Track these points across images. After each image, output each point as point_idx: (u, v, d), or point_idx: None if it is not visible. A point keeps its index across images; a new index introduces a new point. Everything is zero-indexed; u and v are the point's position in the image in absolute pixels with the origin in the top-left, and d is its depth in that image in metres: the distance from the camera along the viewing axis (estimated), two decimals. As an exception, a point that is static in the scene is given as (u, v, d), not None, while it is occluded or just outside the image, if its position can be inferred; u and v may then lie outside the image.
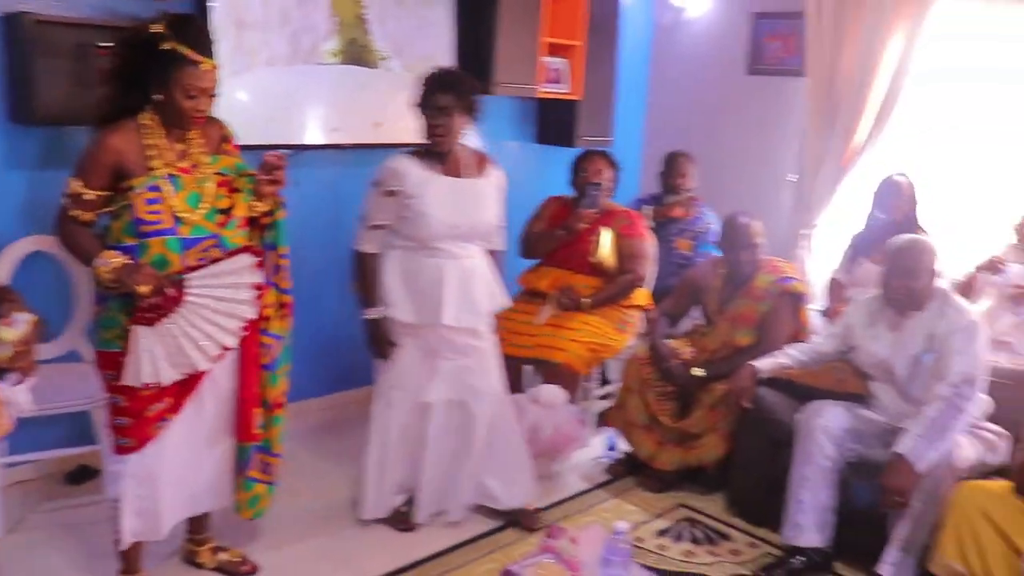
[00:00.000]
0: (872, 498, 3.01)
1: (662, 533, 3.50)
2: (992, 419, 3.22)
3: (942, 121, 4.72)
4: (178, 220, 2.57)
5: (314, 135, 4.12)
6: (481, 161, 3.31)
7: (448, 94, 3.10)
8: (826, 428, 3.17)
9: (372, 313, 3.23)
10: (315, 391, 4.39)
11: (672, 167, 4.77)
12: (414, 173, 3.14)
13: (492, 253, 3.40)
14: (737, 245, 3.76)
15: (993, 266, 3.91)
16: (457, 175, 3.21)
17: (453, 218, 3.15)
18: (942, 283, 3.32)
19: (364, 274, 3.23)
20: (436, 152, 3.18)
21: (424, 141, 3.20)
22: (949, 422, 2.92)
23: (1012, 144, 4.49)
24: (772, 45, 5.31)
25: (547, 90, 4.82)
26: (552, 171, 4.90)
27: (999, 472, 2.98)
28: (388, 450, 3.33)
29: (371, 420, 3.35)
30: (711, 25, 5.58)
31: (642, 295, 4.27)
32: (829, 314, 4.26)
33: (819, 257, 4.95)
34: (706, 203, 4.78)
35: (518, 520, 3.46)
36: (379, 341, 3.26)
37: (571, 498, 3.75)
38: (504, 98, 4.86)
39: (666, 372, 3.78)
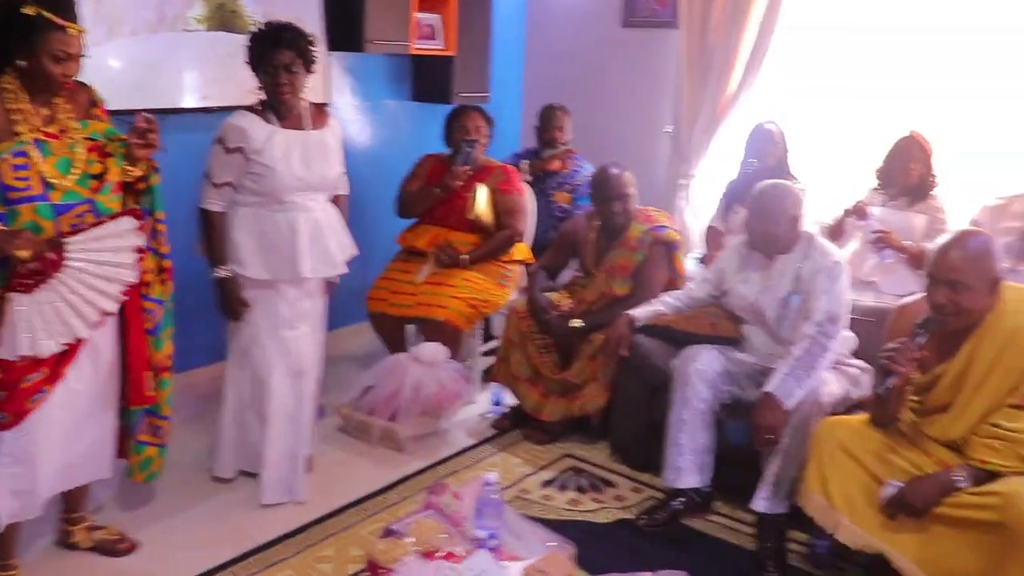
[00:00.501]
0: (746, 437, 3.10)
1: (548, 484, 3.54)
2: (857, 355, 3.35)
3: (811, 70, 4.83)
4: (48, 186, 2.47)
5: (184, 101, 3.98)
6: (320, 113, 3.27)
7: (290, 50, 3.06)
8: (701, 372, 3.24)
9: (221, 272, 3.16)
10: (200, 360, 4.26)
11: (547, 121, 4.77)
12: (257, 128, 3.08)
13: (337, 198, 3.39)
14: (608, 196, 3.79)
15: (859, 211, 4.05)
16: (300, 128, 3.17)
17: (300, 171, 3.11)
18: (810, 227, 3.43)
19: (211, 233, 3.17)
20: (277, 107, 3.13)
21: (262, 97, 3.15)
22: (815, 360, 3.02)
23: (876, 92, 4.63)
24: (646, -4, 5.35)
25: (421, 47, 4.75)
26: (429, 129, 4.85)
27: (861, 406, 3.10)
28: (243, 409, 3.31)
29: (225, 380, 3.33)
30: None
31: (521, 249, 4.29)
32: (706, 261, 4.35)
33: (697, 206, 5.04)
34: (583, 156, 4.80)
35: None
36: (229, 301, 3.19)
37: (458, 454, 3.77)
38: (377, 56, 4.78)
39: (545, 324, 3.81)
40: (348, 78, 4.67)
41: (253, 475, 3.35)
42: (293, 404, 3.29)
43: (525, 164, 4.69)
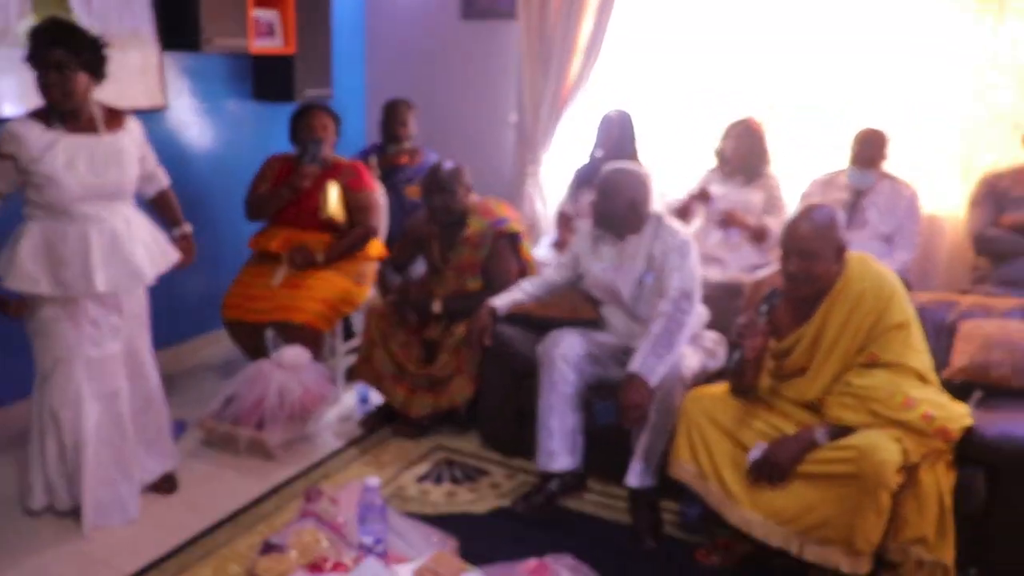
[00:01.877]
0: (614, 416, 3.17)
1: (423, 478, 3.54)
2: (710, 328, 3.49)
3: (652, 56, 4.99)
4: None
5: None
6: (115, 116, 3.04)
7: (59, 48, 2.80)
8: (565, 356, 3.30)
9: None
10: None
11: (391, 116, 4.75)
12: (35, 135, 2.85)
13: (161, 194, 3.30)
14: (431, 189, 3.78)
15: (703, 196, 4.24)
16: (91, 133, 2.95)
17: (89, 179, 2.90)
18: (659, 208, 3.55)
19: None
20: (60, 111, 2.89)
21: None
22: (673, 336, 3.13)
23: (713, 75, 4.85)
24: (483, -12, 5.39)
25: (260, 45, 4.63)
26: (274, 129, 4.75)
27: (720, 376, 3.23)
28: (52, 437, 3.06)
29: (33, 403, 3.09)
30: (424, -30, 5.56)
31: (376, 246, 4.25)
32: (559, 245, 4.44)
33: (547, 193, 5.13)
34: (431, 148, 4.80)
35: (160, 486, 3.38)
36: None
37: (329, 457, 3.71)
38: (216, 56, 4.62)
39: (404, 311, 3.80)
40: (186, 79, 4.49)
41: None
42: (108, 428, 3.10)
43: (373, 160, 4.66)
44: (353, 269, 4.14)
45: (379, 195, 4.28)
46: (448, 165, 3.79)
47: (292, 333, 3.86)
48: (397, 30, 5.65)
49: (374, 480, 2.37)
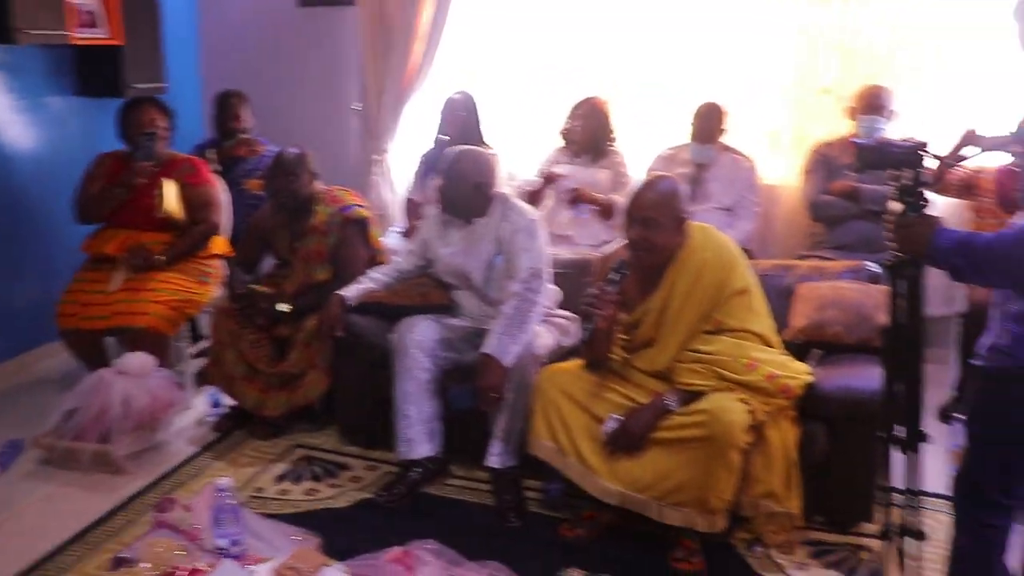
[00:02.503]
0: (471, 399, 3.17)
1: (282, 478, 3.45)
2: (561, 306, 3.52)
3: (496, 40, 5.01)
4: None
5: None
6: None
7: None
8: (419, 342, 3.27)
9: None
10: None
11: (223, 110, 4.60)
12: None
13: None
14: (276, 175, 3.69)
15: (551, 177, 4.28)
16: None
17: None
18: (508, 190, 3.56)
19: None
20: None
21: None
22: (525, 316, 3.14)
23: (559, 57, 4.90)
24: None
25: (82, 36, 4.36)
26: (103, 126, 4.49)
27: (574, 353, 3.26)
28: None
29: None
30: (257, -44, 5.39)
31: (220, 243, 4.11)
32: (408, 233, 4.40)
33: (394, 180, 5.08)
34: (271, 140, 4.66)
35: None
36: None
37: (182, 465, 3.55)
38: (32, 48, 4.33)
39: (252, 314, 3.68)
40: (-1, 75, 4.21)
41: None
42: None
43: (212, 154, 4.49)
44: (196, 269, 3.99)
45: (219, 190, 4.13)
46: (293, 150, 3.70)
47: (134, 339, 3.68)
48: (232, 18, 5.46)
49: (225, 480, 2.29)
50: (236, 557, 2.28)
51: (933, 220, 2.08)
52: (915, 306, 2.21)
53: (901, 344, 2.28)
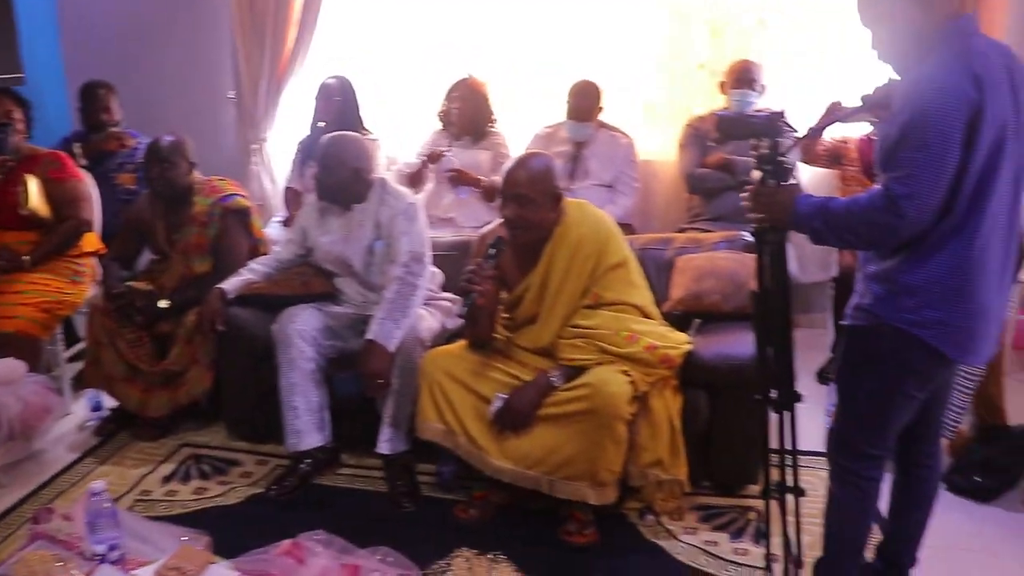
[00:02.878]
0: (357, 386, 3.14)
1: (169, 479, 3.37)
2: (445, 288, 3.53)
3: (373, 22, 4.94)
4: None
5: None
6: None
7: None
8: (301, 332, 3.22)
9: None
10: None
11: (90, 102, 4.43)
12: None
13: None
14: (151, 163, 3.59)
15: (434, 157, 4.26)
16: None
17: None
18: (390, 174, 3.52)
19: None
20: None
21: None
22: (407, 300, 3.13)
23: (435, 37, 4.87)
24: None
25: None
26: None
27: (459, 334, 3.26)
28: None
29: None
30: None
31: (91, 240, 3.96)
32: (289, 222, 4.32)
33: (273, 169, 4.98)
34: (143, 131, 4.50)
35: None
36: None
37: (61, 473, 3.43)
38: None
39: (130, 313, 3.56)
40: None
41: None
42: None
43: (78, 148, 4.32)
44: (67, 268, 3.85)
45: (87, 184, 3.97)
46: (168, 138, 3.60)
47: (2, 344, 3.52)
48: (93, 5, 5.23)
49: (99, 484, 2.21)
50: (115, 562, 2.20)
51: (794, 188, 2.17)
52: (780, 271, 2.27)
53: (769, 309, 2.35)
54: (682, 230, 4.20)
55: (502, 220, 2.93)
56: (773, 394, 2.40)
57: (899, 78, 2.14)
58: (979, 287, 2.06)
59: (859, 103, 2.32)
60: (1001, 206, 2.04)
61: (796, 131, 2.35)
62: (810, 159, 4.20)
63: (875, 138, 2.20)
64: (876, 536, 2.69)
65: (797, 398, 2.42)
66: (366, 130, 4.39)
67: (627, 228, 4.26)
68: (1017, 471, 3.21)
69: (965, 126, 1.92)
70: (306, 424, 3.22)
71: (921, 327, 2.07)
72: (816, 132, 2.46)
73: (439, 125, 4.48)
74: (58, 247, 3.81)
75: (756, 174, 2.20)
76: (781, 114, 2.25)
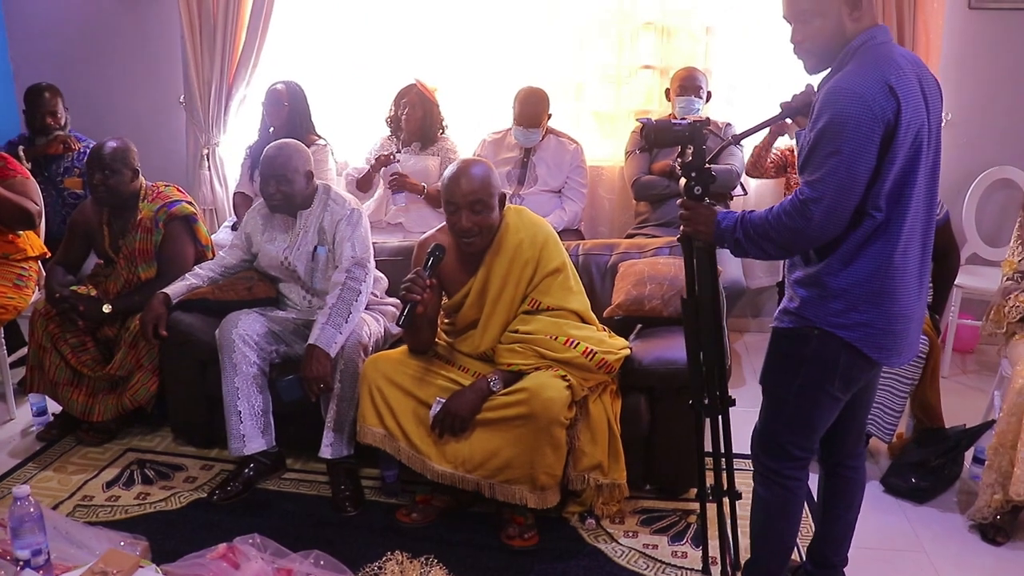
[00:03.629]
0: (300, 390, 3.13)
1: (111, 484, 3.35)
2: (391, 293, 3.54)
3: (324, 28, 4.96)
4: None
5: None
6: None
7: None
8: (243, 336, 3.21)
9: None
10: None
11: (35, 106, 4.39)
12: None
13: None
14: (94, 170, 3.56)
15: (384, 161, 4.27)
16: None
17: None
18: (340, 179, 3.52)
19: None
20: None
21: None
22: (349, 305, 3.14)
23: (384, 42, 4.90)
24: (136, -40, 5.08)
25: None
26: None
27: (402, 340, 3.27)
28: None
29: None
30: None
31: (36, 245, 3.93)
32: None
33: (225, 174, 4.97)
34: (94, 136, 4.48)
35: None
36: None
37: (2, 479, 3.39)
38: None
39: (73, 317, 3.54)
40: None
41: None
42: None
43: (21, 151, 4.28)
44: (12, 272, 3.82)
45: (34, 183, 3.91)
46: (112, 144, 3.57)
47: (-57, 348, 3.49)
48: (41, 9, 5.19)
49: (22, 489, 2.19)
50: (39, 568, 2.19)
51: (714, 206, 2.24)
52: (708, 277, 2.32)
53: (700, 314, 2.39)
54: (630, 236, 4.25)
55: (442, 227, 2.94)
56: (707, 399, 2.46)
57: (812, 79, 2.20)
58: (901, 290, 2.11)
59: (778, 111, 2.37)
60: (918, 211, 2.09)
61: (720, 138, 2.40)
62: (758, 172, 4.28)
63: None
64: (806, 537, 2.75)
65: (730, 403, 2.48)
66: (317, 135, 4.40)
67: (575, 234, 4.31)
68: (952, 472, 3.28)
69: (881, 135, 1.96)
70: (250, 429, 3.21)
71: (847, 329, 2.12)
72: (737, 140, 2.51)
73: (387, 131, 4.49)
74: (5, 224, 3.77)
75: (682, 182, 2.24)
76: (705, 122, 2.29)
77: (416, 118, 4.33)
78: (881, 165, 1.99)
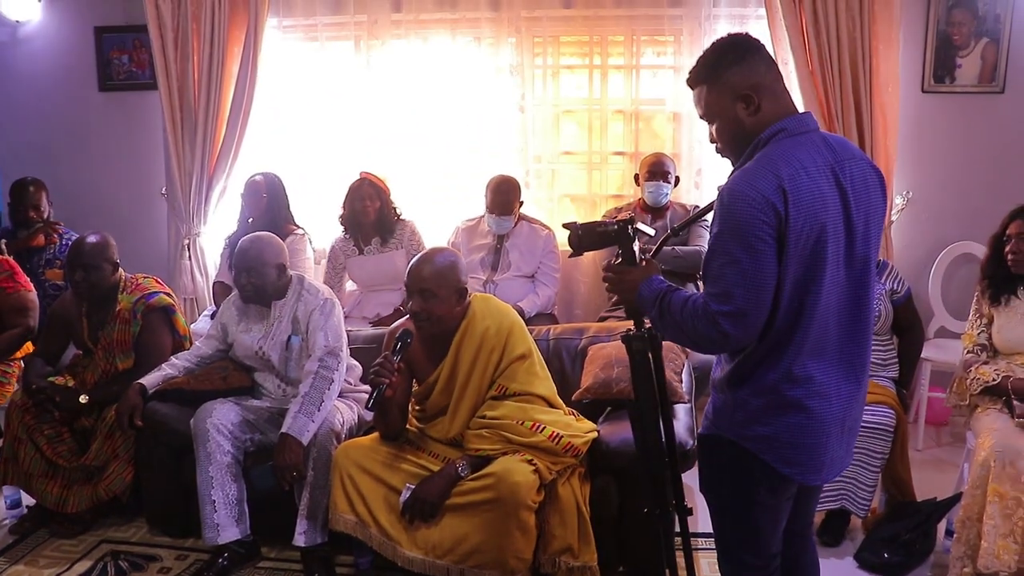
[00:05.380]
0: (273, 479, 3.16)
1: (84, 576, 3.34)
2: (363, 380, 3.58)
3: (297, 120, 5.11)
4: None
5: None
6: None
7: None
8: (217, 425, 3.25)
9: None
10: None
11: (20, 200, 4.49)
12: None
13: None
14: (75, 267, 3.62)
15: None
16: None
17: None
18: (314, 269, 3.57)
19: None
20: None
21: None
22: (321, 393, 3.19)
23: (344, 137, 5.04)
24: (120, 60, 5.25)
25: None
26: None
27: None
28: None
29: None
30: (54, 42, 5.31)
31: (24, 346, 3.98)
32: (219, 316, 4.37)
33: (205, 263, 5.04)
34: (73, 227, 4.57)
35: None
36: None
37: (-28, 574, 3.39)
38: None
39: (49, 408, 3.56)
40: None
41: None
42: None
43: (3, 244, 4.35)
44: (-5, 371, 3.87)
45: (34, 295, 3.99)
46: (92, 239, 3.63)
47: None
48: (31, 102, 5.36)
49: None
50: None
51: (648, 268, 2.16)
52: (644, 383, 2.29)
53: (647, 421, 2.33)
54: (603, 318, 4.30)
55: (408, 311, 3.01)
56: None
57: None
58: (811, 402, 1.97)
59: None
60: (828, 313, 1.95)
61: (650, 235, 2.39)
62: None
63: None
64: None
65: (686, 512, 2.41)
66: (295, 225, 4.48)
67: (549, 318, 4.37)
68: (924, 546, 3.30)
69: (774, 236, 1.85)
70: (224, 518, 3.22)
71: (751, 441, 2.01)
72: (676, 232, 2.43)
73: (339, 230, 4.52)
74: (2, 353, 3.84)
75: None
76: (630, 221, 2.24)
77: (374, 210, 4.36)
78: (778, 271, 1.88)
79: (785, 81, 2.07)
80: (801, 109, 2.07)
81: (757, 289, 1.87)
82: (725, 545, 2.22)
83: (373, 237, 4.44)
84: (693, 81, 2.07)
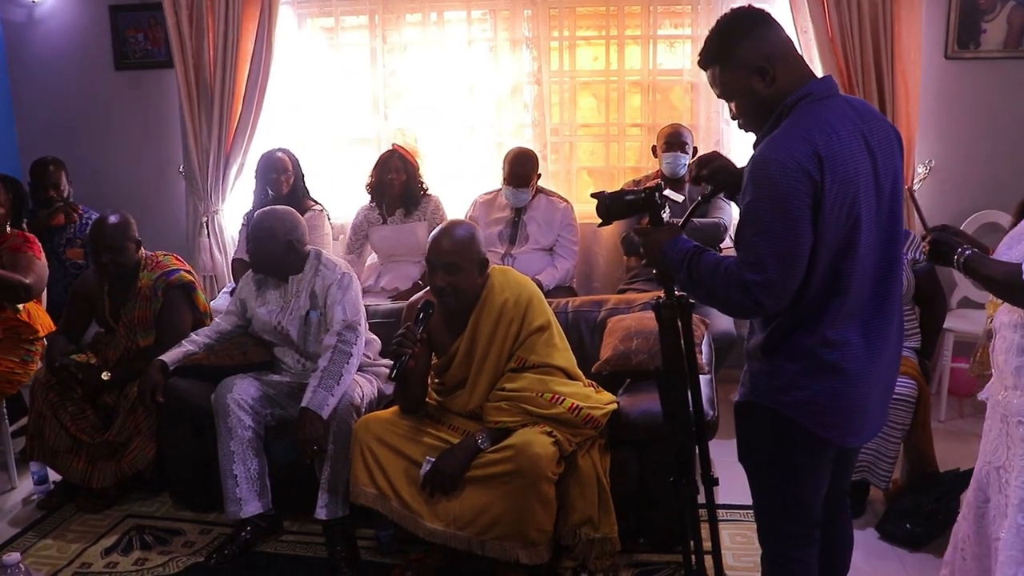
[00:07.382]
0: (294, 453, 3.19)
1: (110, 550, 3.37)
2: (383, 354, 3.60)
3: (316, 97, 5.10)
4: None
5: None
6: None
7: None
8: (239, 401, 3.27)
9: None
10: None
11: (39, 179, 4.51)
12: None
13: None
14: (98, 248, 3.65)
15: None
16: None
17: None
18: (332, 244, 3.57)
19: None
20: None
21: None
22: (340, 367, 3.19)
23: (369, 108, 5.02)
24: (136, 38, 5.24)
25: None
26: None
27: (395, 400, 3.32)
28: None
29: None
30: (69, 21, 5.30)
31: (46, 323, 4.00)
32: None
33: (225, 240, 5.05)
34: (93, 205, 4.59)
35: None
36: None
37: (1, 548, 3.40)
38: None
39: (72, 384, 3.60)
40: None
41: None
42: None
43: (24, 224, 4.37)
44: (20, 348, 3.88)
45: (44, 264, 3.96)
46: (113, 219, 3.65)
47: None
48: (46, 83, 5.36)
49: (12, 556, 2.23)
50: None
51: (672, 228, 2.13)
52: (674, 351, 2.27)
53: (674, 391, 2.32)
54: (621, 291, 4.29)
55: (430, 287, 3.01)
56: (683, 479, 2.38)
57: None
58: (848, 365, 1.96)
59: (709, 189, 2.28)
60: (865, 279, 1.95)
61: (679, 201, 2.34)
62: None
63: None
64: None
65: (713, 482, 2.39)
66: (313, 200, 4.48)
67: (567, 291, 4.36)
68: (946, 516, 3.27)
69: (810, 204, 1.83)
70: (246, 492, 3.26)
71: (789, 407, 1.99)
72: (684, 222, 2.37)
73: (366, 199, 4.56)
74: None
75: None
76: (658, 188, 2.21)
77: (399, 182, 4.40)
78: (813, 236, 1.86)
79: (805, 49, 2.05)
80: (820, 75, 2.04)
81: (791, 258, 1.85)
82: (765, 515, 2.20)
83: (398, 208, 4.46)
84: (704, 62, 2.04)
